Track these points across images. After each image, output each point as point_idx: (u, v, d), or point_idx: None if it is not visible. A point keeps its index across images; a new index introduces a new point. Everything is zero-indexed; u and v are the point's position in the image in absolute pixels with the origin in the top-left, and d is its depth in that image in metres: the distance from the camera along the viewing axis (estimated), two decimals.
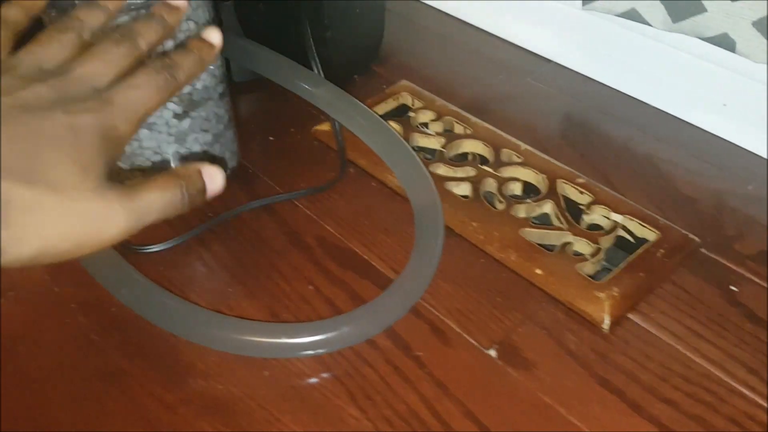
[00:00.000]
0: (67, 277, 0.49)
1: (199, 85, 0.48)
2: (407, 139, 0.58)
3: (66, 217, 0.30)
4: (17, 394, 0.42)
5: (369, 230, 0.52)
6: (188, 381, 0.42)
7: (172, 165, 0.51)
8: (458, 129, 0.60)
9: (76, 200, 0.30)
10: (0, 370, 0.43)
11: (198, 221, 0.53)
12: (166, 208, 0.33)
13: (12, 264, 0.29)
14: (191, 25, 0.46)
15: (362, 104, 0.56)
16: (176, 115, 0.48)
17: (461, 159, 0.57)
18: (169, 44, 0.45)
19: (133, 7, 0.42)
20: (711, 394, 0.41)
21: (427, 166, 0.54)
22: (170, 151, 0.50)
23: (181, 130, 0.49)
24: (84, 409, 0.41)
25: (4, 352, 0.44)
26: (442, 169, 0.55)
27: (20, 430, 0.40)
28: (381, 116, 0.56)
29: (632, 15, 0.56)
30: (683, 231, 0.50)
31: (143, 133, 0.48)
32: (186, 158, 0.51)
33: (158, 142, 0.49)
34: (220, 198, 0.53)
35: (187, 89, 0.47)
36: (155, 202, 0.32)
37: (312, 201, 0.55)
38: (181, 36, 0.45)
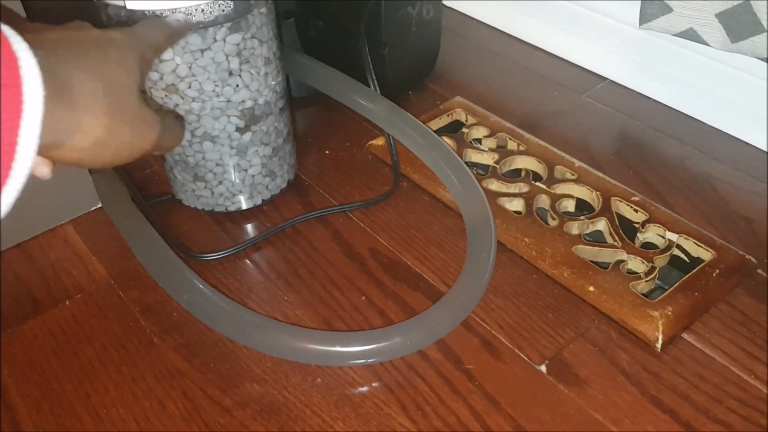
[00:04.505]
0: (131, 281, 0.51)
1: (261, 100, 0.50)
2: (460, 155, 0.58)
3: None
4: (82, 391, 0.44)
5: (421, 243, 0.53)
6: (245, 385, 0.44)
7: (233, 178, 0.52)
8: (511, 145, 0.60)
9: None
10: (64, 367, 0.45)
11: (256, 231, 0.54)
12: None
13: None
14: (255, 43, 0.48)
15: (417, 120, 0.57)
16: (238, 129, 0.50)
17: (514, 175, 0.58)
18: (235, 63, 0.47)
19: (201, 26, 0.44)
20: (766, 417, 0.40)
21: (480, 181, 0.54)
22: (231, 163, 0.52)
23: (242, 143, 0.51)
24: (143, 407, 0.43)
25: (71, 351, 0.46)
26: (495, 185, 0.56)
27: (82, 423, 0.42)
28: (435, 132, 0.56)
29: (690, 35, 0.56)
30: (739, 251, 0.49)
31: (206, 145, 0.50)
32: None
33: (220, 154, 0.51)
34: (276, 209, 0.56)
35: (249, 104, 0.49)
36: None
37: (365, 213, 0.56)
38: (246, 54, 0.47)
